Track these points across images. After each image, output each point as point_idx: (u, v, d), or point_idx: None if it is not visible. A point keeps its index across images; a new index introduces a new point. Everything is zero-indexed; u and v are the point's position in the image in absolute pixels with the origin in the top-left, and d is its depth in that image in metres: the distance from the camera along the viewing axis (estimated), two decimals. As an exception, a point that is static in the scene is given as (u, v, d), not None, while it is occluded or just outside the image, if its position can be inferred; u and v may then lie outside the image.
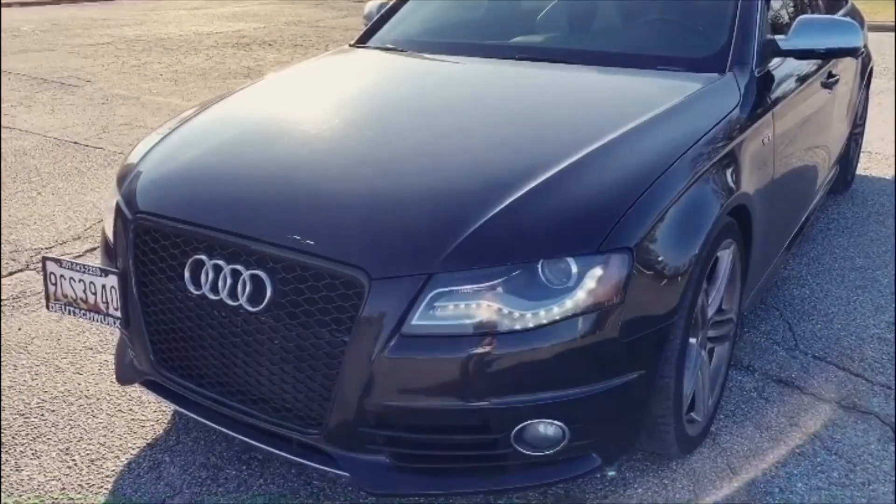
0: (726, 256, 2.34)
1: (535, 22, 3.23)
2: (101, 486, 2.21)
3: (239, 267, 1.93)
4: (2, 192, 4.60)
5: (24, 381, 2.71)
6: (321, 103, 2.66)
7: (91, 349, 2.93)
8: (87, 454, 2.35)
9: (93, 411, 2.55)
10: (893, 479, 2.27)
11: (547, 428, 1.87)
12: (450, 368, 1.81)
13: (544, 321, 1.79)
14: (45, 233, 4.02)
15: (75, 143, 5.79)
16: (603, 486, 2.22)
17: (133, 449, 2.37)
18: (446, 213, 1.89)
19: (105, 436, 2.43)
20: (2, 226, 4.07)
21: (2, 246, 3.81)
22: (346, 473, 1.91)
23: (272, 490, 2.20)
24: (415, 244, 1.84)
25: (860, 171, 5.12)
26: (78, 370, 2.79)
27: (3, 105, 7.00)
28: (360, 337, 1.80)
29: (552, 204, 1.91)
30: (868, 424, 2.52)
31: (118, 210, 2.26)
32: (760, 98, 2.63)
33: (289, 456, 1.99)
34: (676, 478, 2.26)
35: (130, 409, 2.56)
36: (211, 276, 1.96)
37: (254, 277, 1.90)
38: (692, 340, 2.24)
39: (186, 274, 2.00)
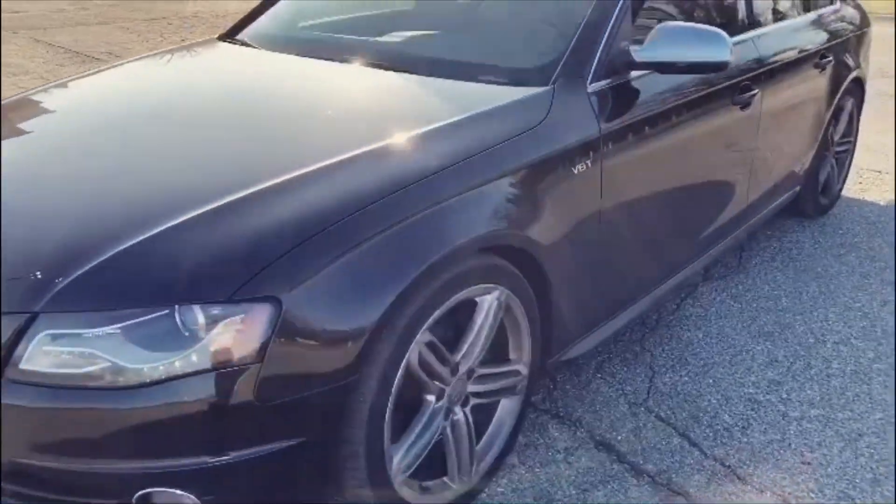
0: (487, 304, 2.02)
1: (392, 23, 2.95)
2: None
3: None
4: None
5: None
6: (84, 109, 2.46)
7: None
8: None
9: None
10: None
11: (176, 498, 1.64)
12: (58, 422, 1.60)
13: (164, 377, 1.56)
14: None
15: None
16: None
17: None
18: (72, 242, 1.67)
19: None
20: None
21: None
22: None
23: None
24: (27, 276, 1.63)
25: (856, 192, 4.56)
26: None
27: (24, 78, 7.18)
28: (-26, 378, 1.61)
29: (203, 239, 1.65)
30: (669, 507, 2.16)
31: None
32: (586, 116, 2.27)
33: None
34: (399, 553, 1.98)
35: None
36: None
37: None
38: (429, 397, 1.96)
39: None
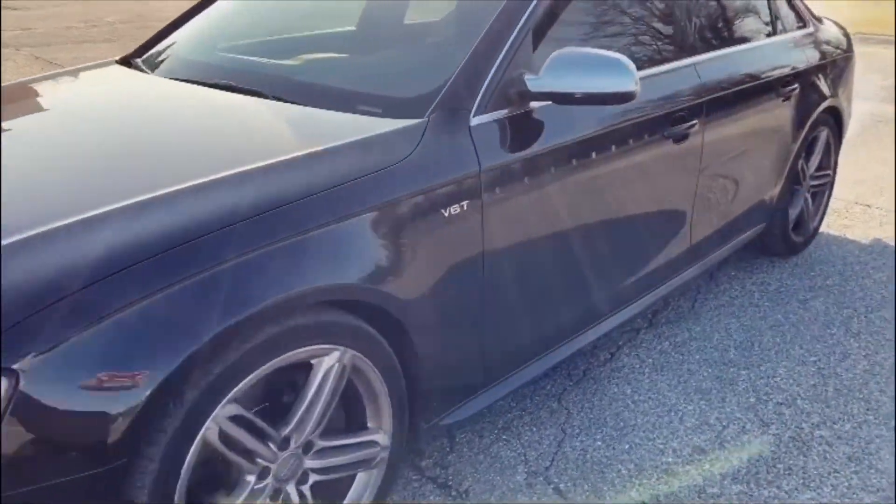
0: (324, 367, 1.77)
1: (300, 46, 2.73)
2: None
3: None
4: None
5: None
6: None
7: None
8: None
9: None
10: None
11: None
12: None
13: None
14: None
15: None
16: None
17: None
18: None
19: None
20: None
21: None
22: None
23: None
24: None
25: (839, 228, 4.22)
26: None
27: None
28: None
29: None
30: None
31: None
32: (464, 153, 2.01)
33: None
34: None
35: None
36: None
37: None
38: (248, 477, 1.71)
39: None
